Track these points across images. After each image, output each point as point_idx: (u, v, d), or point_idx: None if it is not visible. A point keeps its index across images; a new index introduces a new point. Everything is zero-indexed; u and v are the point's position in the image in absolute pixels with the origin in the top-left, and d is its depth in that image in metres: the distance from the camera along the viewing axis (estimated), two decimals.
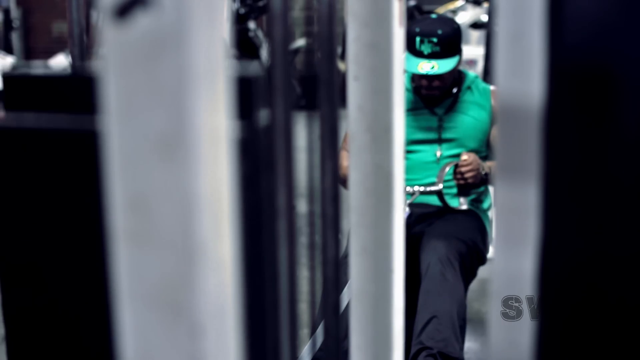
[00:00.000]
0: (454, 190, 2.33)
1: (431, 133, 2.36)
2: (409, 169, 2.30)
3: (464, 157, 2.25)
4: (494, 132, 2.37)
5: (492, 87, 2.42)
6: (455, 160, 2.30)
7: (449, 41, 2.28)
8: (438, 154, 2.36)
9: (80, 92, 0.74)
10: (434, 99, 2.38)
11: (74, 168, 0.76)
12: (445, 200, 2.28)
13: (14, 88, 0.77)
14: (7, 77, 0.78)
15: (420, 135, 2.36)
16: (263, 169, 0.67)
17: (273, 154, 0.68)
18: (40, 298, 0.80)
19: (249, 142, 0.64)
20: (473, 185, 2.28)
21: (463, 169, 2.24)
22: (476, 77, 2.48)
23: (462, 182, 2.25)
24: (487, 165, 2.29)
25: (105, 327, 0.69)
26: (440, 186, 2.26)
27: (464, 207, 2.33)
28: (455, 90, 2.39)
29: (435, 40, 2.25)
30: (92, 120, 0.70)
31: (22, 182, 0.78)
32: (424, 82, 2.32)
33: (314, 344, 1.63)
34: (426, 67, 2.26)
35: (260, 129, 0.66)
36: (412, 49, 2.28)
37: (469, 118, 2.36)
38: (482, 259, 2.31)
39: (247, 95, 0.64)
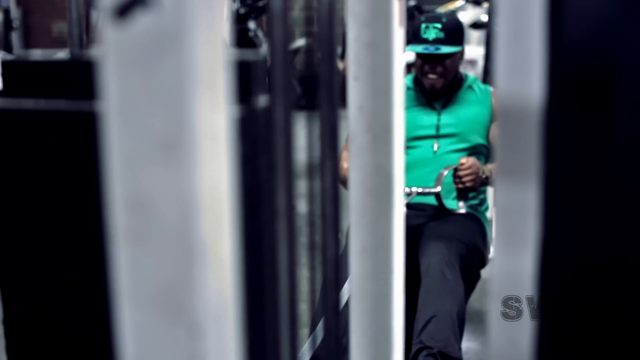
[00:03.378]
0: (453, 193, 2.33)
1: (430, 129, 2.39)
2: (407, 166, 2.31)
3: (462, 160, 2.25)
4: (494, 131, 2.38)
5: (492, 89, 2.47)
6: (456, 157, 2.31)
7: (453, 29, 2.34)
8: (435, 146, 2.38)
9: (78, 77, 0.74)
10: (436, 94, 2.39)
11: (72, 150, 0.76)
12: (442, 202, 2.28)
13: (12, 74, 0.77)
14: (5, 63, 0.78)
15: (420, 132, 2.39)
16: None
17: (273, 153, 0.68)
18: (38, 280, 0.80)
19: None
20: (473, 189, 2.28)
21: (461, 173, 2.24)
22: (476, 79, 2.54)
23: (460, 186, 2.26)
24: (488, 168, 2.29)
25: (102, 324, 0.69)
26: (439, 188, 2.26)
27: (462, 210, 2.33)
28: (455, 87, 2.43)
29: (439, 26, 2.32)
30: (91, 104, 0.70)
31: (19, 166, 0.78)
32: (427, 68, 2.35)
33: (313, 341, 1.63)
34: (430, 49, 2.32)
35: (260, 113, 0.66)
36: (417, 37, 2.34)
37: (469, 112, 2.39)
38: (483, 261, 2.32)
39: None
